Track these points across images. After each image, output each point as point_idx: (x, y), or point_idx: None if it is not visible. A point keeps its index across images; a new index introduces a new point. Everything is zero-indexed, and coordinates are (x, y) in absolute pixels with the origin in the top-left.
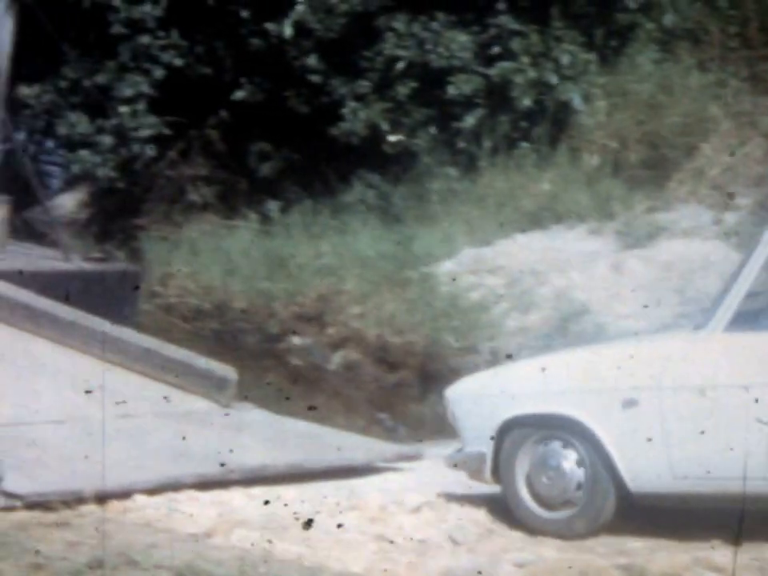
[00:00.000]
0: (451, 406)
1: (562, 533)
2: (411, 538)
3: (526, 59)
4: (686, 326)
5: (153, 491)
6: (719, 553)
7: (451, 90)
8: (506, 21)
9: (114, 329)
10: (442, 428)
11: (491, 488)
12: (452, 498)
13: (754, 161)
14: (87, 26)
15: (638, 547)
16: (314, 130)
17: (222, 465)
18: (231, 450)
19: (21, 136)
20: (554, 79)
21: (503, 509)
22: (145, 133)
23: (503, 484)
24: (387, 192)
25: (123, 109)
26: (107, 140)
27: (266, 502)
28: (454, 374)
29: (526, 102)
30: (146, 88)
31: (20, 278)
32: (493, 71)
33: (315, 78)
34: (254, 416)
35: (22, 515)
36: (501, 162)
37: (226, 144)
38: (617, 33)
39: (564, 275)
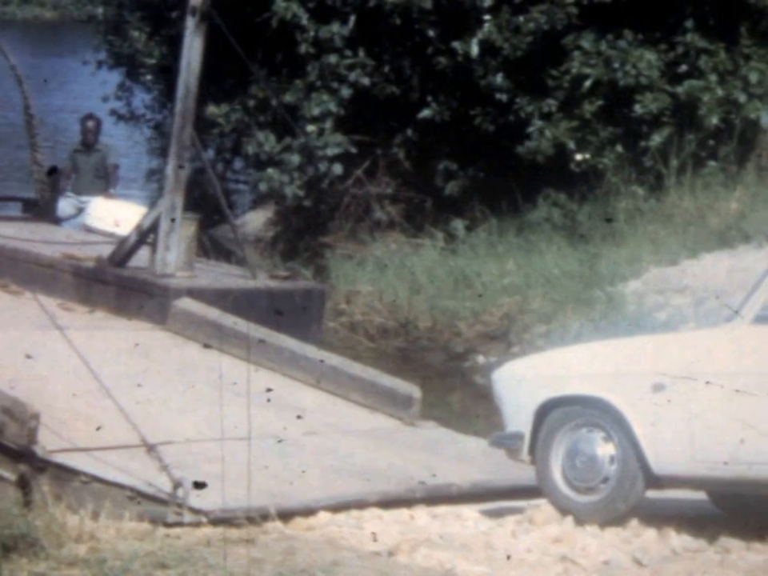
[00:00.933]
0: (496, 387)
1: (592, 516)
2: (595, 560)
3: (713, 77)
4: None
5: (337, 509)
6: None
7: (638, 109)
8: (694, 39)
9: (301, 346)
10: None
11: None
12: (636, 518)
13: None
14: (275, 45)
15: None
16: (499, 148)
17: (422, 482)
18: (434, 475)
19: (209, 155)
20: (741, 97)
21: (689, 530)
22: (332, 151)
23: (538, 465)
24: (573, 211)
25: (310, 128)
26: (294, 158)
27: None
28: None
29: (714, 120)
30: (333, 107)
31: (207, 295)
32: (680, 89)
33: (501, 97)
34: (438, 434)
35: (207, 531)
36: (688, 181)
37: (411, 162)
38: None
39: None
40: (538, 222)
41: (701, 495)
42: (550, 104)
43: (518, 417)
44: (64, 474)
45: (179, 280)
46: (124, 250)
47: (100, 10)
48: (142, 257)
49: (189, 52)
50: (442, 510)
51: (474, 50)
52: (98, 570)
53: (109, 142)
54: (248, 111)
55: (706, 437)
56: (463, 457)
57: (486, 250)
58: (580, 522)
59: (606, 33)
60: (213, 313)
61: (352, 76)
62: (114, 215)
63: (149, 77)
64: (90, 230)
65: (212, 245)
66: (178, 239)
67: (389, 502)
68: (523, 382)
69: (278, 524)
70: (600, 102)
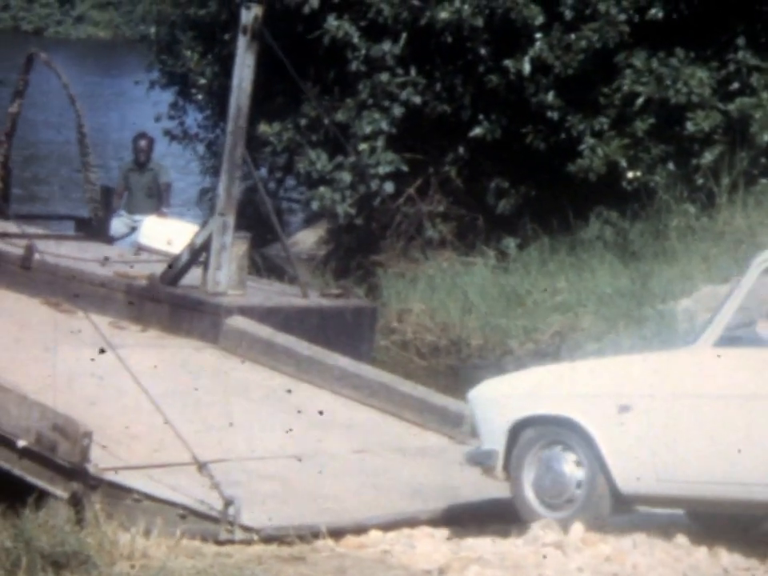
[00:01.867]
0: (472, 406)
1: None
2: None
3: (765, 94)
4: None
5: (388, 527)
6: None
7: (690, 126)
8: (746, 56)
9: (352, 364)
10: None
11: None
12: (686, 535)
13: None
14: (327, 64)
15: None
16: (551, 166)
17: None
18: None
19: (262, 174)
20: None
21: (741, 548)
22: (383, 170)
23: (511, 482)
24: (625, 229)
25: (362, 146)
26: (346, 177)
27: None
28: None
29: (766, 137)
30: (384, 125)
31: (259, 313)
32: (732, 107)
33: (553, 115)
34: None
35: (259, 549)
36: (739, 199)
37: (463, 181)
38: None
39: None
40: (589, 239)
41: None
42: (602, 122)
43: (493, 435)
44: (116, 491)
45: (231, 298)
46: (176, 269)
47: (153, 30)
48: (194, 275)
49: (240, 71)
50: (492, 528)
51: (526, 67)
52: None
53: (161, 160)
54: (300, 130)
55: (669, 457)
56: None
57: (537, 268)
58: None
59: (658, 50)
60: (264, 331)
61: (403, 94)
62: (167, 234)
63: (201, 96)
64: (142, 248)
65: (264, 263)
66: (230, 258)
67: (439, 521)
68: (497, 401)
69: (329, 542)
70: (652, 120)
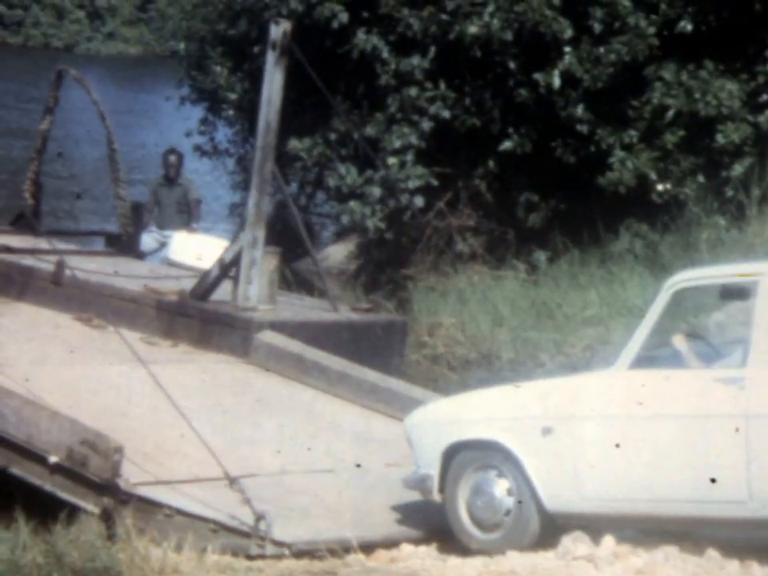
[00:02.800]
0: (407, 432)
1: (495, 551)
2: None
3: None
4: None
5: (419, 541)
6: None
7: (720, 139)
8: None
9: (382, 379)
10: None
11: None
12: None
13: None
14: (356, 78)
15: None
16: (581, 179)
17: None
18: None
19: (292, 188)
20: None
21: None
22: (413, 184)
23: (447, 505)
24: (655, 241)
25: (392, 160)
26: (376, 191)
27: None
28: None
29: None
30: (414, 139)
31: (289, 328)
32: (762, 119)
33: (582, 128)
34: None
35: (290, 564)
36: None
37: (493, 194)
38: None
39: None
40: (619, 252)
41: None
42: (632, 135)
43: (428, 459)
44: (147, 507)
45: (261, 313)
46: (206, 284)
47: (182, 46)
48: (224, 290)
49: (270, 86)
50: None
51: (555, 81)
52: None
53: (192, 176)
54: (330, 145)
55: (590, 476)
56: None
57: (567, 281)
58: None
59: (687, 63)
60: (295, 345)
61: (433, 108)
62: (197, 249)
63: (231, 111)
64: (172, 263)
65: (294, 278)
66: (260, 272)
67: None
68: (431, 426)
69: (360, 556)
70: (682, 133)
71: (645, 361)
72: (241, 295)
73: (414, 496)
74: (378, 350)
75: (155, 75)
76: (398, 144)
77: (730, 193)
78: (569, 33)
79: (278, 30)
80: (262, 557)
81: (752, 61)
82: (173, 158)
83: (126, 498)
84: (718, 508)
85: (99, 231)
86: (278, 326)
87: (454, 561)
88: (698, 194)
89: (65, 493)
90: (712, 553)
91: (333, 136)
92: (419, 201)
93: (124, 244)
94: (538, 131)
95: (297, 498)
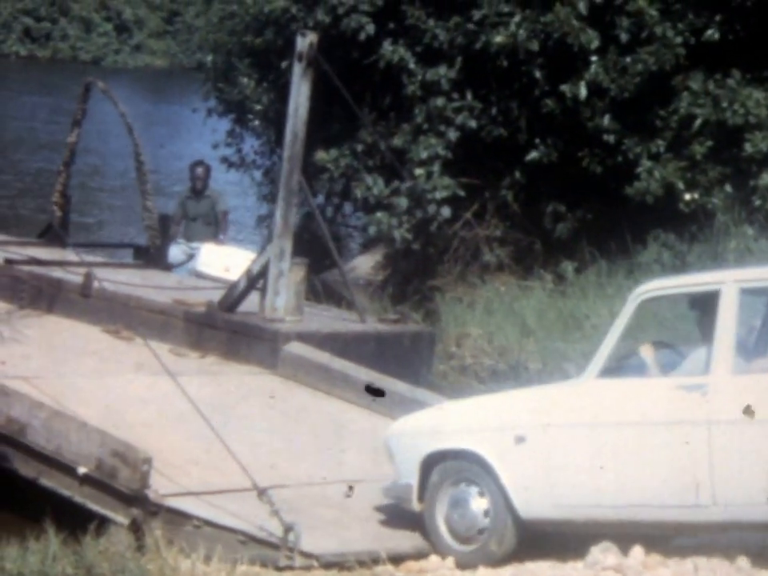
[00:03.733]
0: (387, 443)
1: (472, 562)
2: None
3: None
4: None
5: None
6: None
7: (747, 148)
8: None
9: (410, 390)
10: None
11: None
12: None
13: None
14: (382, 89)
15: None
16: (608, 190)
17: None
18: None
19: (319, 200)
20: None
21: None
22: (440, 194)
23: (426, 515)
24: (683, 251)
25: (418, 171)
26: (403, 202)
27: None
28: None
29: None
30: (440, 150)
31: (317, 339)
32: None
33: (609, 138)
34: None
35: (319, 575)
36: None
37: (520, 205)
38: None
39: None
40: (647, 262)
41: None
42: (659, 144)
43: (407, 470)
44: (176, 518)
45: (289, 324)
46: (234, 296)
47: (209, 58)
48: (252, 302)
49: (296, 98)
50: (551, 551)
51: (582, 91)
52: None
53: (219, 188)
54: (356, 156)
55: (563, 484)
56: None
57: (595, 291)
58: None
59: (714, 72)
60: (322, 357)
61: (459, 119)
62: (224, 261)
63: (257, 123)
64: (200, 275)
65: (322, 289)
66: (288, 284)
67: None
68: (408, 437)
69: (389, 567)
70: (709, 142)
71: (612, 370)
72: (268, 306)
73: None
74: (406, 360)
75: (182, 87)
76: (424, 155)
77: (757, 202)
78: (595, 43)
79: (305, 41)
80: (291, 568)
81: None
82: (200, 170)
83: (155, 510)
84: (684, 513)
85: (127, 243)
86: (306, 338)
87: (482, 571)
88: (726, 203)
89: (94, 504)
90: (741, 562)
91: (359, 147)
92: (446, 211)
93: (152, 256)
94: (564, 141)
95: (325, 510)
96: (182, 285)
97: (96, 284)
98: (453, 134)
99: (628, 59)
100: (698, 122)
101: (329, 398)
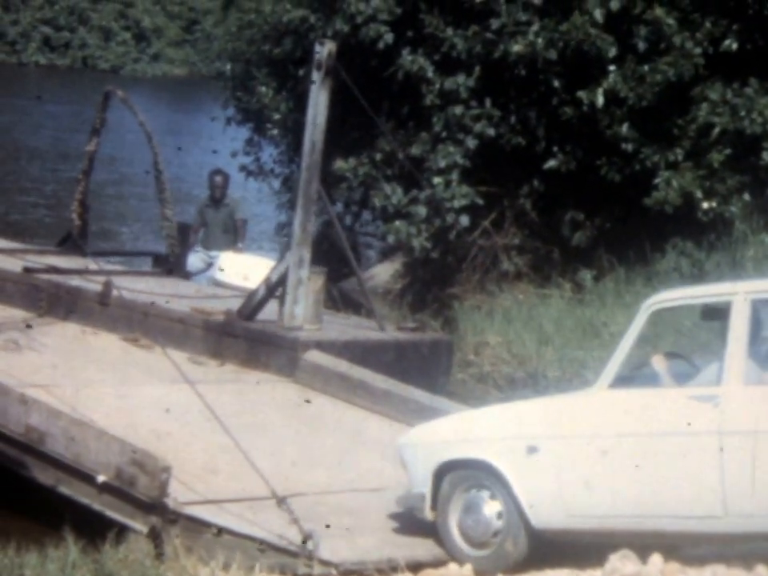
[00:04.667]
0: (400, 452)
1: (486, 569)
2: None
3: None
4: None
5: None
6: None
7: (765, 157)
8: None
9: (429, 398)
10: None
11: None
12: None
13: None
14: (401, 98)
15: None
16: (626, 198)
17: None
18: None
19: (338, 208)
20: None
21: None
22: (458, 203)
23: (439, 523)
24: (701, 260)
25: (437, 179)
26: (421, 211)
27: None
28: None
29: None
30: (459, 158)
31: (336, 347)
32: None
33: (627, 147)
34: None
35: None
36: None
37: (538, 213)
38: None
39: None
40: (665, 271)
41: None
42: (677, 153)
43: (420, 479)
44: (195, 526)
45: (307, 333)
46: (253, 304)
47: (228, 67)
48: (270, 310)
49: (315, 107)
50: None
51: (600, 99)
52: None
53: (238, 196)
54: (375, 164)
55: (575, 494)
56: None
57: (613, 299)
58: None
59: (732, 81)
60: (341, 365)
61: (478, 127)
62: (243, 269)
63: (276, 131)
64: (219, 284)
65: (340, 297)
66: (306, 292)
67: None
68: (422, 447)
69: (408, 575)
70: (727, 151)
71: (624, 380)
72: (287, 315)
73: None
74: (424, 369)
75: (201, 96)
76: (443, 163)
77: None
78: (613, 51)
79: (324, 50)
80: None
81: None
82: (219, 179)
83: (174, 518)
84: (695, 523)
85: (146, 252)
86: (324, 346)
87: None
88: (744, 212)
89: (113, 512)
90: (761, 570)
91: (378, 156)
92: (465, 220)
93: (171, 264)
94: (583, 150)
95: (344, 518)
96: (201, 293)
97: (115, 292)
98: (471, 143)
99: (646, 68)
100: (716, 130)
101: (347, 406)
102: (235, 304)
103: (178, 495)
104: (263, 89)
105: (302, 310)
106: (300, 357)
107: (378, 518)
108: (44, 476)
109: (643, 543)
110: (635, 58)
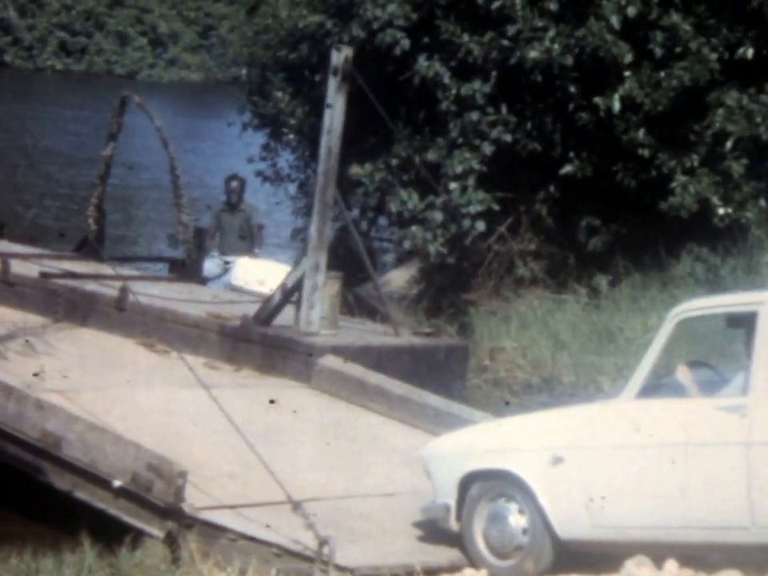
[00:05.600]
0: (424, 463)
1: None
2: None
3: None
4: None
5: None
6: None
7: None
8: None
9: (444, 403)
10: None
11: None
12: None
13: None
14: (417, 104)
15: None
16: (642, 204)
17: None
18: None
19: (354, 214)
20: None
21: None
22: (474, 209)
23: (464, 533)
24: (716, 265)
25: (453, 185)
26: (437, 216)
27: None
28: None
29: None
30: (475, 164)
31: (351, 353)
32: None
33: (643, 152)
34: None
35: None
36: None
37: (554, 219)
38: None
39: None
40: (681, 276)
41: None
42: (693, 159)
43: (445, 489)
44: (211, 531)
45: (323, 338)
46: (269, 309)
47: (244, 72)
48: (286, 315)
49: (331, 112)
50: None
51: (616, 105)
52: None
53: (254, 201)
54: (391, 170)
55: (601, 505)
56: None
57: (629, 305)
58: None
59: (748, 87)
60: (357, 370)
61: (494, 133)
62: (259, 274)
63: (292, 136)
64: (235, 289)
65: (356, 303)
66: (322, 297)
67: None
68: (447, 457)
69: None
70: (744, 161)
71: (651, 390)
72: (303, 320)
73: None
74: (440, 374)
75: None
76: (459, 169)
77: None
78: (629, 57)
79: (340, 56)
80: None
81: None
82: (235, 184)
83: (190, 522)
84: (722, 534)
85: (162, 257)
86: (340, 351)
87: None
88: (760, 217)
89: (129, 517)
90: None
91: (394, 161)
92: (481, 225)
93: (187, 269)
94: (599, 155)
95: (360, 523)
96: (217, 298)
97: (131, 297)
98: (487, 148)
99: (662, 74)
100: (732, 137)
101: (363, 412)
102: (251, 309)
103: (194, 500)
104: (279, 94)
105: (318, 315)
106: (316, 362)
107: (393, 524)
108: (60, 481)
109: (670, 554)
110: (651, 63)
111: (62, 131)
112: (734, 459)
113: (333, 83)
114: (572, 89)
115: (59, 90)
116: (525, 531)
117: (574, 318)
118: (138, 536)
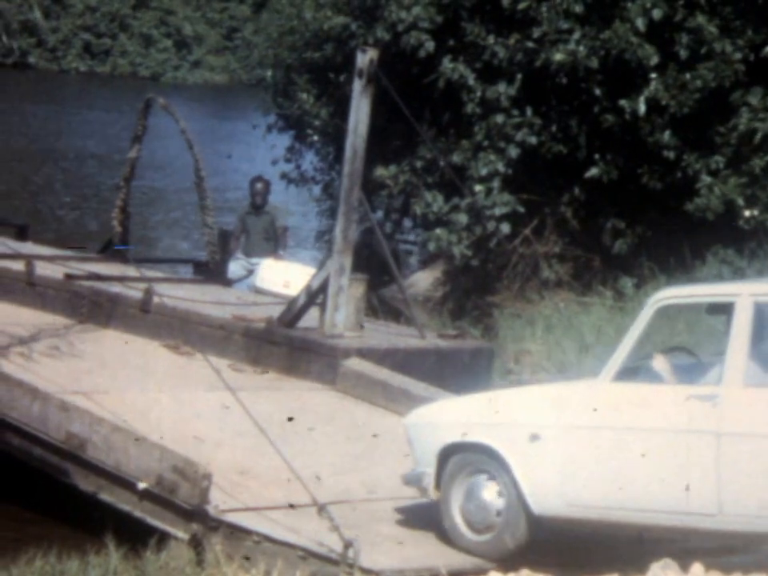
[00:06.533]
0: (406, 431)
1: (484, 554)
2: None
3: None
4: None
5: (508, 568)
6: None
7: None
8: None
9: None
10: None
11: None
12: None
13: None
14: (442, 106)
15: None
16: (668, 206)
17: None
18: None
19: (379, 216)
20: None
21: None
22: (499, 211)
23: (441, 505)
24: (742, 267)
25: (478, 187)
26: (462, 218)
27: None
28: None
29: None
30: (500, 166)
31: (376, 355)
32: None
33: (669, 154)
34: None
35: None
36: None
37: (579, 221)
38: None
39: None
40: (706, 278)
41: None
42: (718, 161)
43: (425, 458)
44: (236, 533)
45: (348, 340)
46: (294, 311)
47: (269, 73)
48: (311, 317)
49: (356, 114)
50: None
51: (641, 107)
52: None
53: (279, 203)
54: (416, 172)
55: (575, 483)
56: None
57: None
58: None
59: None
60: (382, 372)
61: (519, 135)
62: (284, 276)
63: (316, 138)
64: (259, 291)
65: (381, 305)
66: (347, 299)
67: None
68: (428, 427)
69: None
70: None
71: (628, 374)
72: (328, 322)
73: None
74: (465, 376)
75: (241, 103)
76: (484, 171)
77: None
78: (654, 59)
79: (365, 57)
80: None
81: None
82: (260, 186)
83: (214, 525)
84: (690, 519)
85: (187, 259)
86: (365, 353)
87: None
88: None
89: (154, 519)
90: None
91: (419, 163)
92: (505, 228)
93: (211, 271)
94: (624, 157)
95: (385, 526)
96: (242, 300)
97: (156, 299)
98: (513, 151)
99: (687, 75)
100: (758, 137)
101: (388, 414)
102: (276, 311)
103: (218, 502)
104: (304, 95)
105: (343, 317)
106: (340, 364)
107: (418, 526)
108: (85, 483)
109: (642, 536)
110: (676, 66)
111: (86, 133)
112: (704, 448)
113: (358, 85)
114: (597, 91)
115: (83, 92)
116: (501, 508)
117: (599, 321)
118: (162, 538)
